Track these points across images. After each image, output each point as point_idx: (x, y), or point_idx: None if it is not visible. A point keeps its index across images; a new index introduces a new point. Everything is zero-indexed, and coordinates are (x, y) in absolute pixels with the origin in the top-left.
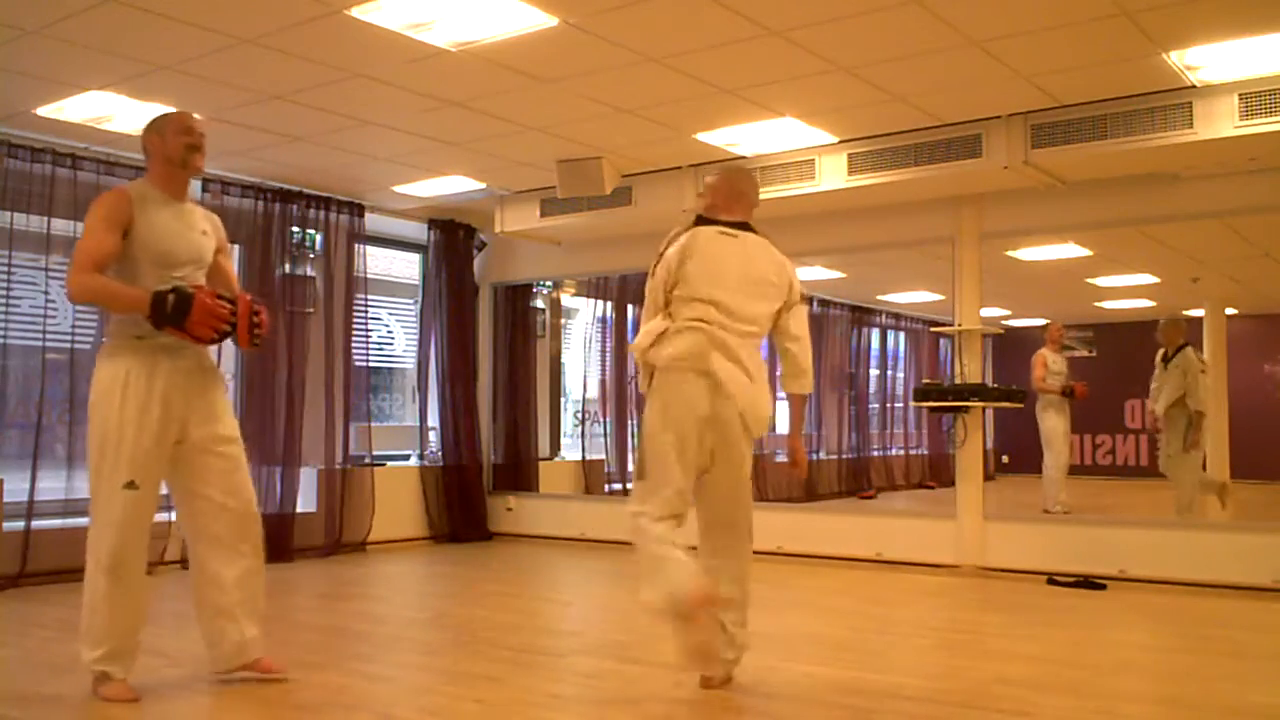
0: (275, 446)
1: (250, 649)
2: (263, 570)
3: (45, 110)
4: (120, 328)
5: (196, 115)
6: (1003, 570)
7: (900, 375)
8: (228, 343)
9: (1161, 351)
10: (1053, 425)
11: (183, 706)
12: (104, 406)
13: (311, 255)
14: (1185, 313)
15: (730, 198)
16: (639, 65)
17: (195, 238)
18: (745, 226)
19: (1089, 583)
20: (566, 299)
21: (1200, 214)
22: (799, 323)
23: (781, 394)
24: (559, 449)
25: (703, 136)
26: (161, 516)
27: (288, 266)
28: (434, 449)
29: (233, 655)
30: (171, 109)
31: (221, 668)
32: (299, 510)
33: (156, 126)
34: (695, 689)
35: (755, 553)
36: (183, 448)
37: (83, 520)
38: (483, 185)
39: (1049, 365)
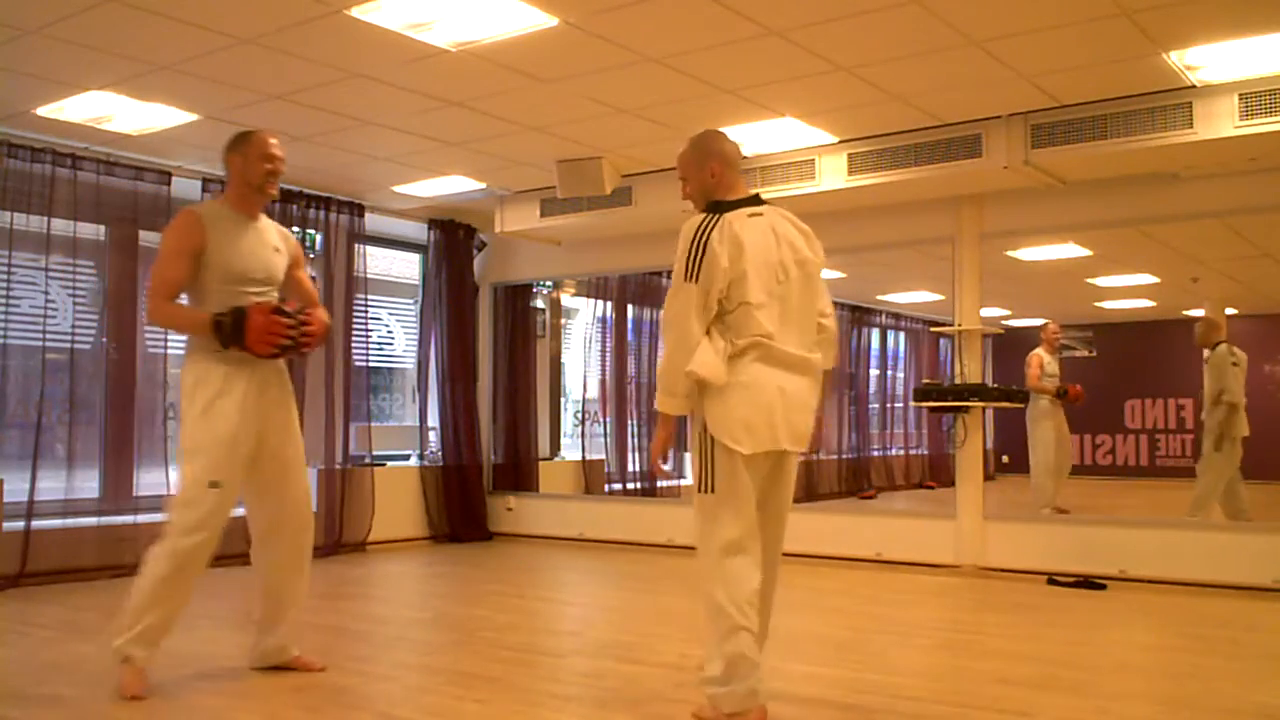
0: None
1: (290, 648)
2: (308, 577)
3: (45, 110)
4: (201, 342)
5: (273, 140)
6: (1003, 570)
7: (900, 375)
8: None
9: (1205, 353)
10: (1041, 429)
11: (184, 706)
12: (191, 409)
13: (311, 255)
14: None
15: (731, 167)
16: (639, 65)
17: (268, 255)
18: (759, 200)
19: (1089, 583)
20: (566, 299)
21: (1200, 214)
22: (827, 296)
23: None
24: (559, 449)
25: None
26: (161, 517)
27: None
28: (434, 449)
29: (273, 654)
30: (250, 126)
31: (262, 664)
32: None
33: (239, 147)
34: (695, 689)
35: None
36: (257, 455)
37: (83, 520)
38: (483, 185)
39: (1044, 366)
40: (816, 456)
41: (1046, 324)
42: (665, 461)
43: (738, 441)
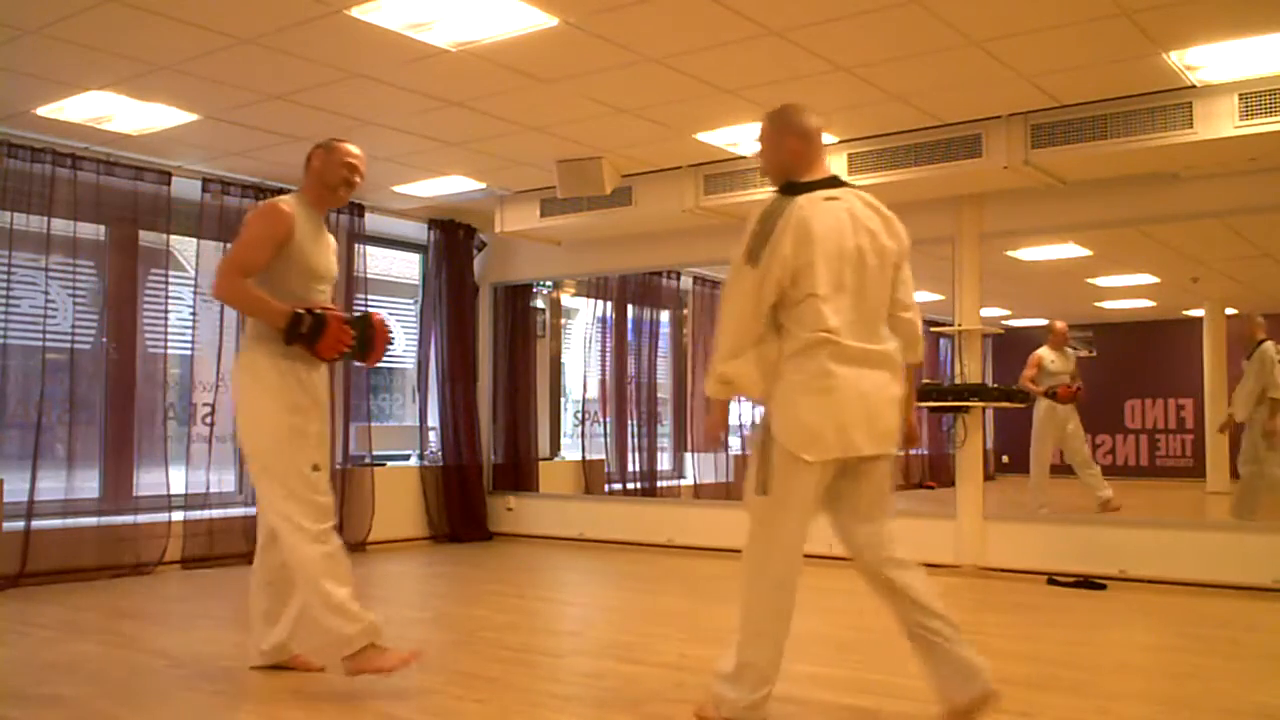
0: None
1: (290, 646)
2: None
3: (45, 110)
4: (263, 330)
5: (358, 153)
6: (1003, 570)
7: None
8: (226, 345)
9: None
10: (1040, 428)
11: (184, 706)
12: (267, 404)
13: None
14: (1185, 312)
15: (811, 144)
16: (639, 65)
17: (331, 256)
18: (838, 182)
19: (1089, 583)
20: (566, 299)
21: (1200, 214)
22: (909, 288)
23: None
24: (559, 449)
25: (703, 136)
26: (160, 517)
27: None
28: (434, 449)
29: (272, 652)
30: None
31: (261, 662)
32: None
33: (327, 146)
34: (695, 689)
35: None
36: None
37: (83, 520)
38: (483, 185)
39: (1042, 365)
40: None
41: (1053, 322)
42: (719, 446)
43: (802, 449)
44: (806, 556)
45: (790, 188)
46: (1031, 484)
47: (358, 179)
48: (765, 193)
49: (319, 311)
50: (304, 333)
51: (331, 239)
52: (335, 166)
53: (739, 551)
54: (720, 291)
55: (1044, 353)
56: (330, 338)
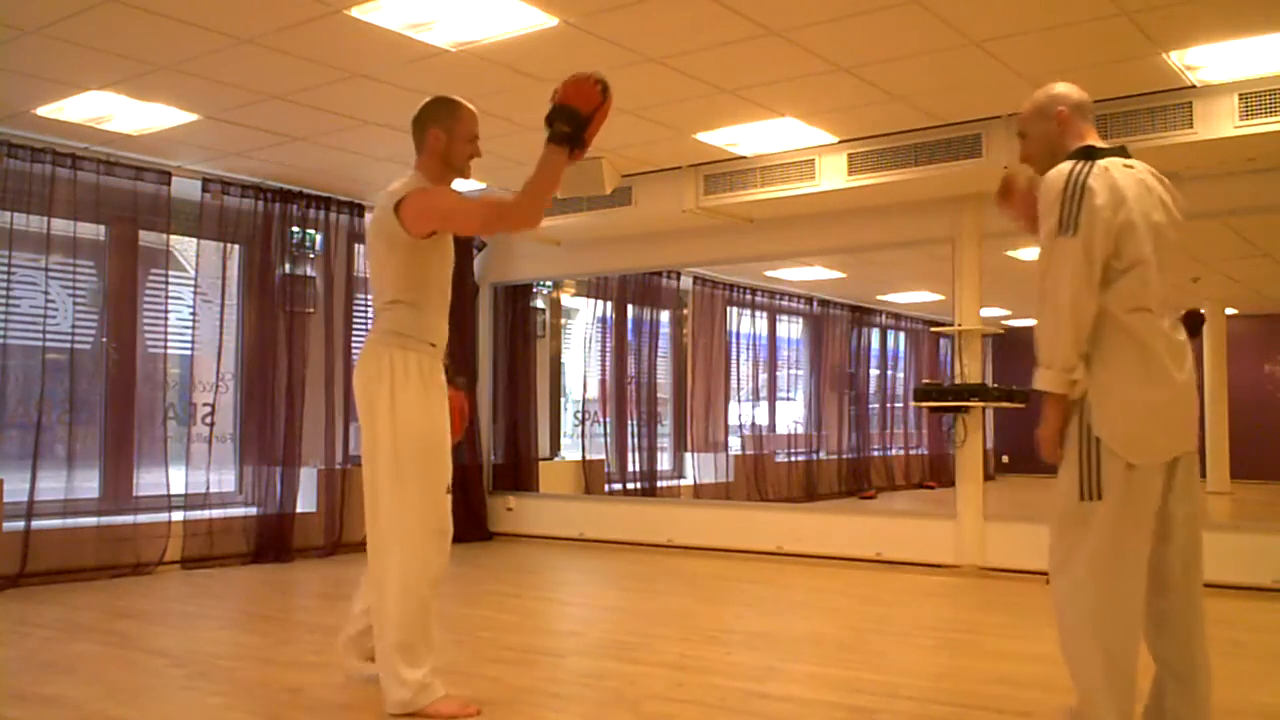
0: (275, 446)
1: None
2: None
3: (45, 110)
4: (417, 329)
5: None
6: (1003, 570)
7: (900, 375)
8: (226, 345)
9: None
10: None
11: (184, 706)
12: (416, 406)
13: (311, 255)
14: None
15: (1082, 113)
16: (639, 65)
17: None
18: (1128, 152)
19: None
20: (566, 299)
21: (1200, 214)
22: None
23: None
24: (559, 449)
25: (703, 136)
26: (160, 517)
27: (288, 266)
28: None
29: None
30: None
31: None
32: (299, 510)
33: (443, 120)
34: (695, 689)
35: (755, 553)
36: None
37: (83, 520)
38: (483, 185)
39: None
40: (817, 457)
41: None
42: (1059, 457)
43: (1130, 449)
44: (806, 556)
45: (1088, 151)
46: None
47: (478, 151)
48: (765, 193)
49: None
50: (571, 130)
51: None
52: (461, 143)
53: (739, 552)
54: (1039, 274)
55: None
56: (601, 117)
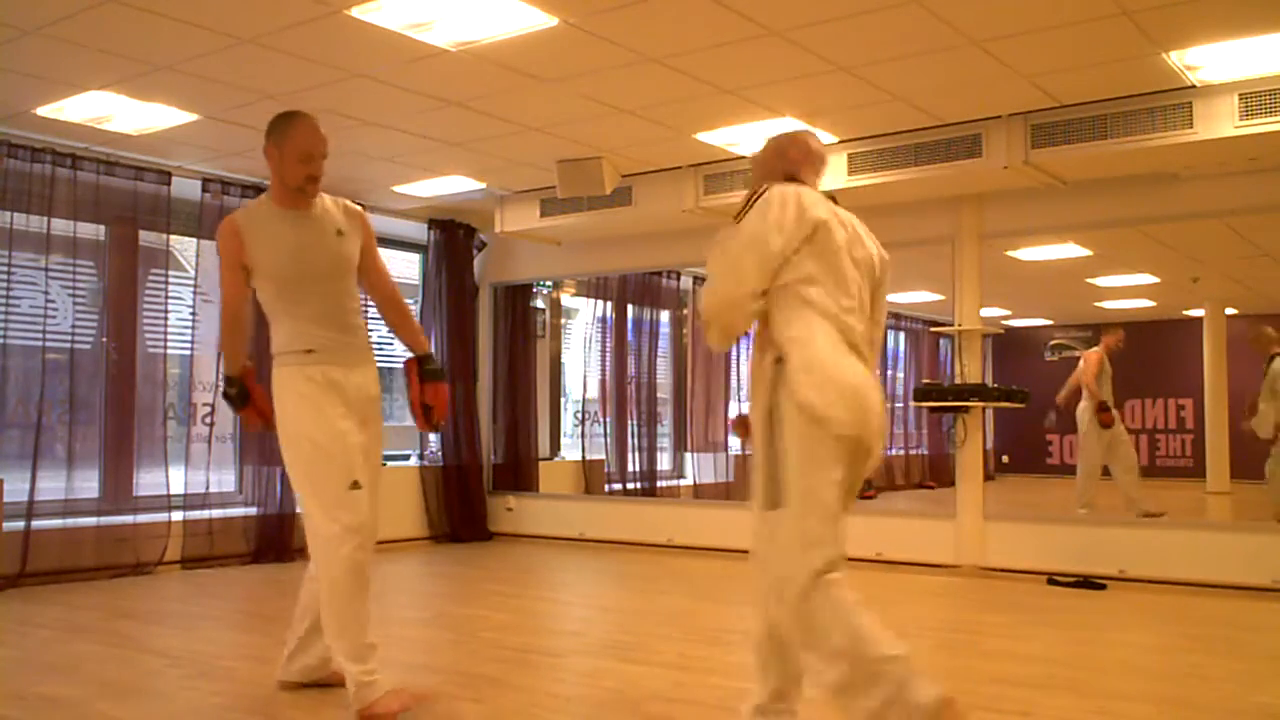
0: (275, 446)
1: (332, 662)
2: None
3: (45, 110)
4: (286, 344)
5: (315, 135)
6: (1003, 570)
7: (900, 375)
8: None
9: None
10: (1088, 431)
11: (184, 706)
12: (305, 419)
13: None
14: (1185, 312)
15: (813, 161)
16: (639, 65)
17: (329, 245)
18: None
19: (1089, 583)
20: (566, 299)
21: (1200, 214)
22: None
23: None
24: (559, 449)
25: (703, 136)
26: (160, 517)
27: None
28: (434, 449)
29: (315, 668)
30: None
31: (300, 679)
32: (299, 510)
33: (275, 138)
34: (695, 689)
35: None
36: None
37: (83, 520)
38: (483, 185)
39: (1104, 366)
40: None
41: (1117, 330)
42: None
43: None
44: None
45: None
46: (1078, 485)
47: (320, 170)
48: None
49: (245, 387)
50: (228, 396)
51: (340, 220)
52: (291, 164)
53: (739, 552)
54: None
55: (1101, 351)
56: (246, 416)
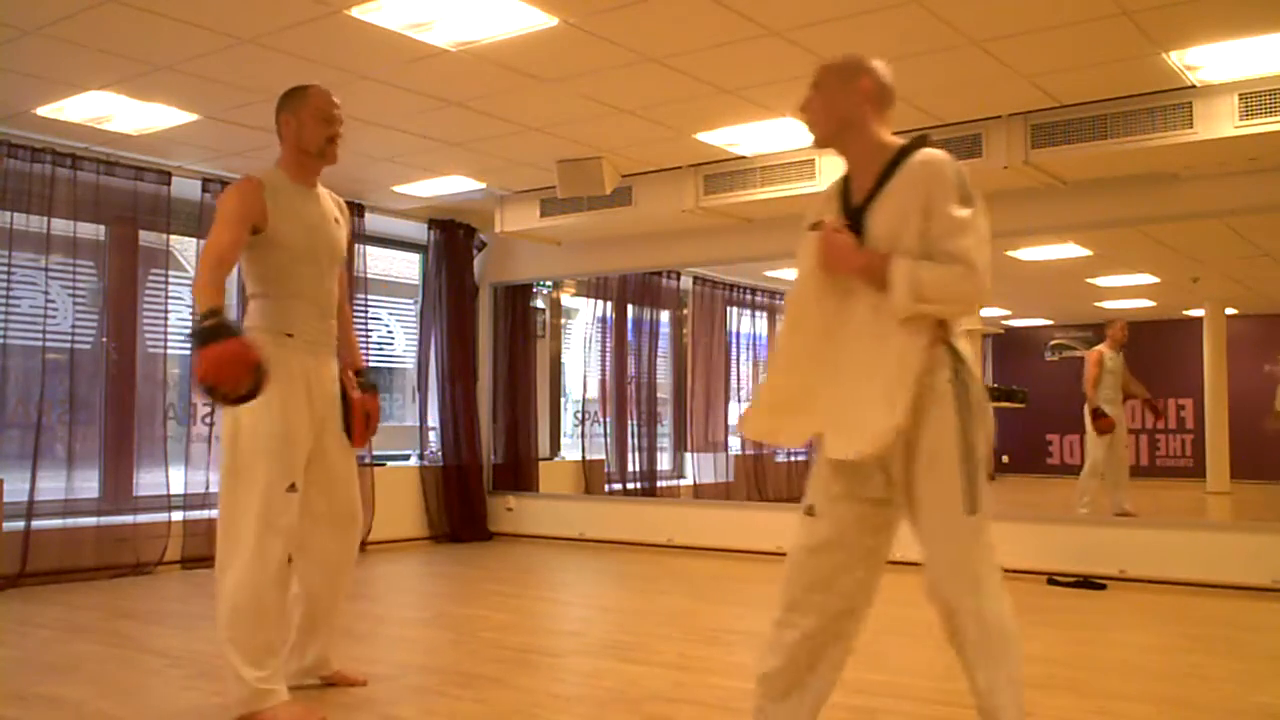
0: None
1: (331, 662)
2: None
3: (45, 110)
4: (267, 322)
5: (331, 97)
6: (1003, 570)
7: None
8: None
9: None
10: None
11: (184, 706)
12: (268, 409)
13: None
14: (1185, 312)
15: (888, 99)
16: (639, 65)
17: (331, 230)
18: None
19: (1089, 583)
20: (566, 299)
21: (1200, 214)
22: None
23: None
24: (559, 449)
25: (703, 136)
26: (160, 517)
27: None
28: (434, 449)
29: (312, 669)
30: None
31: (299, 681)
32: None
33: (290, 106)
34: (695, 689)
35: (754, 553)
36: (314, 451)
37: (83, 520)
38: (483, 185)
39: (1103, 364)
40: None
41: (1116, 320)
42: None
43: None
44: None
45: (918, 141)
46: (1079, 485)
47: (341, 129)
48: (765, 193)
49: (232, 324)
50: (196, 329)
51: (334, 208)
52: (310, 126)
53: (739, 552)
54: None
55: (1104, 350)
56: (217, 356)
